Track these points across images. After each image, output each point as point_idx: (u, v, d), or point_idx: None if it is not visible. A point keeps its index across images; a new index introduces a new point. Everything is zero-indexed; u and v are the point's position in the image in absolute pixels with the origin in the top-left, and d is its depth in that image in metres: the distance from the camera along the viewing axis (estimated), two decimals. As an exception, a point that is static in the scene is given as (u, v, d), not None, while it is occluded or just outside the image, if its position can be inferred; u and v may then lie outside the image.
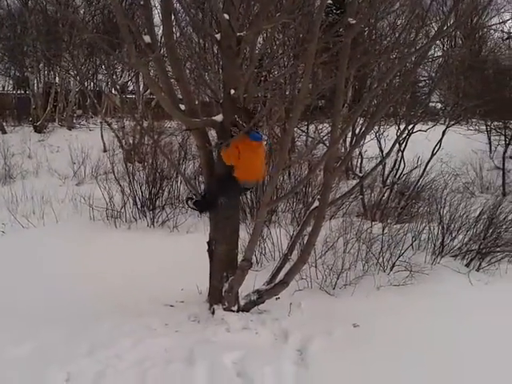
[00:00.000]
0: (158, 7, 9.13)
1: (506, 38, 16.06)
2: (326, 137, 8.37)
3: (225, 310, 4.66)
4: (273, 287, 4.72)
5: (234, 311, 4.66)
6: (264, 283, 4.84)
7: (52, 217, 8.24)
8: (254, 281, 4.93)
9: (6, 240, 7.30)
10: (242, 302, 4.74)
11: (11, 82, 23.98)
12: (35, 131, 17.40)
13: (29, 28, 17.74)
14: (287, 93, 10.40)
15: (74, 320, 4.59)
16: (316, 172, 6.09)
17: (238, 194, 5.01)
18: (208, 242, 4.94)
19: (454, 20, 6.65)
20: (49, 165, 12.50)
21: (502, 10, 17.34)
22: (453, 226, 6.83)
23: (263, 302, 4.79)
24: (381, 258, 6.12)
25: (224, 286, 4.68)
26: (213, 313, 4.71)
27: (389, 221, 7.72)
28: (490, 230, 6.67)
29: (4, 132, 16.94)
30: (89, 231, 7.66)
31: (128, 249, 6.72)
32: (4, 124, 17.65)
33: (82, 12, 17.92)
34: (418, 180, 8.92)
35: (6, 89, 24.57)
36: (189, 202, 5.06)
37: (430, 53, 5.73)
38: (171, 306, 5.04)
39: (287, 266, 4.87)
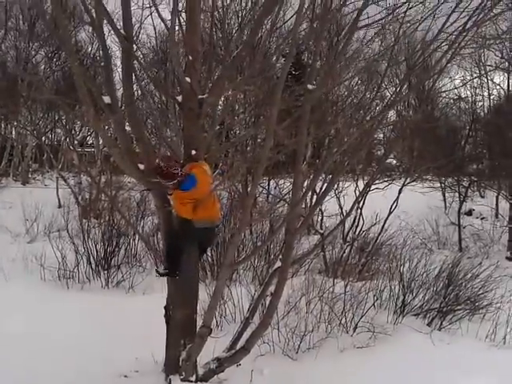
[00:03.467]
0: (119, 66, 9.27)
1: (456, 99, 17.03)
2: (286, 195, 8.43)
3: (182, 380, 4.39)
4: (233, 354, 4.51)
5: (191, 381, 4.39)
6: (224, 350, 4.62)
7: (1, 276, 7.78)
8: (213, 347, 4.70)
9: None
10: (200, 371, 4.48)
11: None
12: (-13, 186, 16.83)
13: (-14, 83, 17.53)
14: (248, 148, 10.57)
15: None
16: (278, 233, 6.04)
17: (198, 238, 4.71)
18: (165, 307, 4.71)
19: (407, 85, 6.98)
20: (0, 221, 11.98)
21: (455, 77, 18.50)
22: (413, 284, 6.86)
23: (223, 371, 4.56)
24: (343, 319, 6.03)
25: (181, 355, 4.43)
26: (169, 384, 4.43)
27: (350, 278, 7.70)
28: (450, 288, 6.73)
29: (-45, 186, 16.31)
30: (39, 293, 7.23)
31: (80, 312, 6.33)
32: (-45, 178, 17.02)
33: (42, 68, 17.94)
34: (377, 237, 9.03)
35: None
36: (158, 270, 4.78)
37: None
38: (125, 376, 4.74)
39: (249, 331, 4.69)
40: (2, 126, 20.05)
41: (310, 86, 4.03)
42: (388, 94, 8.61)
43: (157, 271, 4.68)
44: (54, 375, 4.62)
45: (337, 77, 4.97)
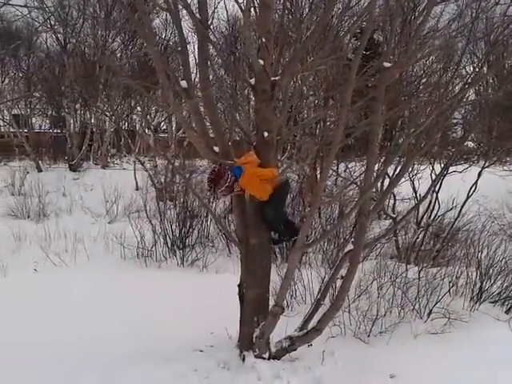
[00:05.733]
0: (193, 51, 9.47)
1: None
2: (357, 178, 8.30)
3: (256, 357, 4.52)
4: (305, 334, 4.56)
5: (265, 358, 4.51)
6: (296, 329, 4.69)
7: (84, 255, 8.34)
8: (285, 326, 4.78)
9: (38, 278, 7.38)
10: (273, 349, 4.58)
11: (48, 121, 24.90)
12: (70, 170, 17.87)
13: (67, 70, 18.54)
14: (317, 132, 10.47)
15: (105, 364, 4.54)
16: (349, 216, 5.98)
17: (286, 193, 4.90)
18: (238, 285, 4.85)
19: (487, 63, 6.57)
20: (82, 203, 12.75)
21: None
22: (491, 270, 6.58)
23: (295, 350, 4.63)
24: (417, 304, 5.91)
25: (255, 332, 4.55)
26: (243, 359, 4.57)
27: (424, 264, 7.49)
28: (531, 276, 6.39)
29: (40, 170, 17.46)
30: (119, 270, 7.71)
31: (157, 289, 6.70)
32: (40, 162, 18.21)
33: (118, 55, 18.64)
34: (454, 222, 8.68)
35: (43, 128, 25.50)
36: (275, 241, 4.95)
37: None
38: (201, 350, 4.93)
39: (320, 312, 4.72)
40: (82, 112, 21.13)
41: (386, 64, 3.92)
42: (466, 72, 8.15)
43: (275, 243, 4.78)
44: (133, 348, 4.91)
45: (414, 54, 4.78)
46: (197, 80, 5.12)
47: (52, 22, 17.67)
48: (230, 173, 4.26)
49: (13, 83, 21.52)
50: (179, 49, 4.53)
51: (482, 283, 6.49)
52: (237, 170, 4.32)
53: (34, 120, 24.09)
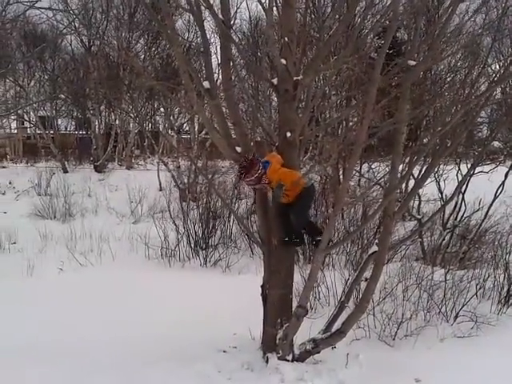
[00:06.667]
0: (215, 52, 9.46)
1: None
2: (381, 179, 8.20)
3: (279, 358, 4.48)
4: (329, 336, 4.50)
5: (288, 360, 4.47)
6: (320, 331, 4.63)
7: (109, 255, 8.44)
8: (309, 329, 4.74)
9: (64, 278, 7.49)
10: (296, 351, 4.54)
11: (73, 123, 25.36)
12: (95, 171, 18.18)
13: (91, 72, 18.84)
14: (339, 132, 10.38)
15: (127, 364, 4.56)
16: (373, 218, 5.90)
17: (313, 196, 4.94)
18: (261, 286, 4.82)
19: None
20: (107, 203, 12.94)
21: None
22: (520, 273, 6.42)
23: (319, 352, 4.57)
24: (443, 307, 5.79)
25: (278, 334, 4.52)
26: (267, 361, 4.54)
27: (450, 266, 7.35)
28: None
29: (65, 171, 17.78)
30: (144, 270, 7.78)
31: (181, 289, 6.74)
32: (66, 163, 18.54)
33: (141, 57, 18.84)
34: (481, 223, 8.49)
35: (68, 129, 26.00)
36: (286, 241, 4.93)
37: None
38: (224, 351, 4.92)
39: (344, 314, 4.66)
40: (107, 113, 21.46)
41: (411, 62, 3.85)
42: (491, 70, 7.96)
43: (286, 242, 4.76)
44: (156, 348, 4.92)
45: (439, 52, 4.69)
46: (219, 80, 5.14)
47: (76, 25, 17.96)
48: (261, 164, 4.32)
49: (38, 85, 22.00)
50: (202, 49, 4.53)
51: (509, 286, 6.34)
52: (266, 164, 4.39)
53: (59, 122, 24.59)
